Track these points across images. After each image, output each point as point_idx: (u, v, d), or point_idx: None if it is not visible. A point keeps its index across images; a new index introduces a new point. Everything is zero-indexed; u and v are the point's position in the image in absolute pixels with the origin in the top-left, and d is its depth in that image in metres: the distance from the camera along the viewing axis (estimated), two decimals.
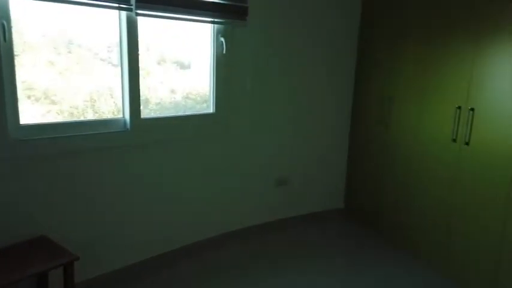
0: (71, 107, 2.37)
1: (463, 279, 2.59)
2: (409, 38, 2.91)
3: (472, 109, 2.45)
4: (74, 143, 2.25)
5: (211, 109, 2.93)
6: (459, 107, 2.53)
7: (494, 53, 2.32)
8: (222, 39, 2.80)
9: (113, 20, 2.36)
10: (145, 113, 2.62)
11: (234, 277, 2.69)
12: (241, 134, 3.05)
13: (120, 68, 2.42)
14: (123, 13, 2.33)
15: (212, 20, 2.70)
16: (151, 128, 2.59)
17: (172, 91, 2.83)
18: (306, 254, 3.03)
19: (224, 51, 2.82)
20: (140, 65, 2.46)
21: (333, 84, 3.45)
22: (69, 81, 2.32)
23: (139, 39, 2.41)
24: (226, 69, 2.88)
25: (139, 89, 2.47)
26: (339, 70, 3.45)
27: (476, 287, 2.49)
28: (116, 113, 2.50)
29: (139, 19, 2.40)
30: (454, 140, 2.58)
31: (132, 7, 2.29)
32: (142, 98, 2.53)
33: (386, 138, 3.17)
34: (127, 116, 2.47)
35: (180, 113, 2.80)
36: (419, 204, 2.90)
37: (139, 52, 2.44)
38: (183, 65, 2.86)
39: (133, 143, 2.50)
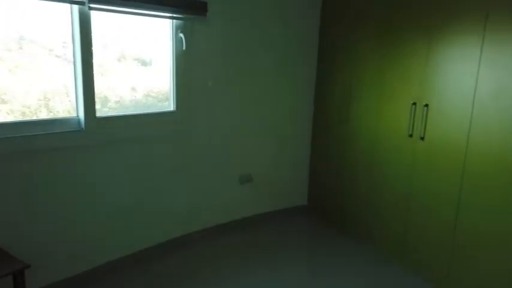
0: (23, 106, 2.24)
1: (420, 269, 2.68)
2: (367, 35, 2.97)
3: (427, 105, 2.53)
4: (25, 144, 2.13)
5: (171, 107, 2.86)
6: (414, 103, 2.62)
7: (445, 52, 2.41)
8: (182, 35, 2.74)
9: (66, 14, 2.25)
10: (104, 111, 2.53)
11: (199, 279, 2.64)
12: (202, 131, 3.01)
13: (73, 64, 2.32)
14: (75, 7, 2.22)
15: (171, 15, 2.64)
16: (109, 127, 2.50)
17: (133, 89, 2.75)
18: (270, 251, 3.04)
19: (184, 48, 2.76)
20: (98, 61, 2.37)
21: (295, 82, 3.48)
22: (21, 78, 2.19)
23: (95, 35, 2.32)
24: (186, 66, 2.82)
25: (93, 87, 2.37)
26: (301, 68, 3.48)
27: (432, 275, 2.59)
28: (71, 111, 2.39)
29: (94, 13, 2.30)
30: (411, 136, 2.66)
31: (84, 1, 2.19)
32: (100, 96, 2.43)
33: (347, 134, 3.23)
34: (81, 115, 2.36)
35: (140, 111, 2.72)
36: (379, 198, 2.97)
37: (96, 48, 2.34)
38: (144, 62, 2.78)
39: (89, 143, 2.40)
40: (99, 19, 2.38)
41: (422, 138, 2.59)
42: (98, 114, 2.45)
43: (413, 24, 2.59)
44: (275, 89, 3.36)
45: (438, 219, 2.52)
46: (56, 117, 2.32)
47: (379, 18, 2.85)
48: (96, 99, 2.42)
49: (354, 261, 2.91)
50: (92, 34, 2.30)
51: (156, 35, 2.74)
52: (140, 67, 2.75)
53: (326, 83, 3.45)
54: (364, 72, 3.02)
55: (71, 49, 2.30)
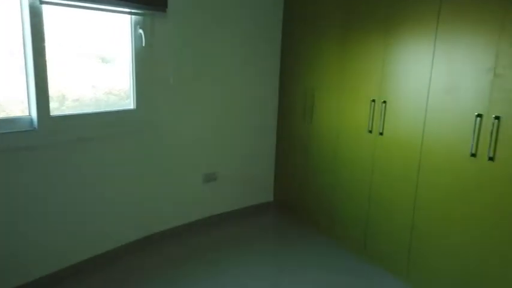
0: None
1: (381, 260, 2.76)
2: (328, 35, 3.01)
3: (385, 102, 2.60)
4: None
5: (132, 105, 2.80)
6: (373, 100, 2.68)
7: (401, 51, 2.48)
8: (141, 31, 2.68)
9: (15, 9, 2.15)
10: (62, 110, 2.44)
11: (162, 280, 2.60)
12: (165, 130, 2.96)
13: (24, 61, 2.22)
14: (25, 1, 2.12)
15: (129, 10, 2.58)
16: (65, 126, 2.42)
17: (94, 87, 2.66)
18: (236, 248, 3.03)
19: (143, 44, 2.70)
20: (54, 59, 2.28)
21: (259, 80, 3.48)
22: None
23: (51, 31, 2.24)
24: (146, 63, 2.77)
25: (47, 85, 2.28)
26: (264, 66, 3.48)
27: (395, 267, 2.67)
28: (25, 111, 2.29)
29: (46, 8, 2.20)
30: (370, 131, 2.73)
31: None
32: (58, 94, 2.34)
33: (311, 131, 3.27)
34: (34, 114, 2.26)
35: (100, 110, 2.64)
36: (342, 193, 3.03)
37: (52, 45, 2.26)
38: (104, 59, 2.70)
39: (42, 143, 2.30)
40: (55, 14, 2.29)
41: (381, 134, 2.66)
42: (56, 112, 2.37)
43: (371, 25, 2.65)
44: (239, 86, 3.36)
45: (397, 214, 2.60)
46: (7, 116, 2.21)
47: (339, 19, 2.89)
48: (53, 98, 2.33)
49: (318, 256, 2.95)
50: (45, 30, 2.20)
51: (116, 32, 2.67)
52: (100, 64, 2.67)
53: (289, 82, 3.48)
54: (326, 70, 3.06)
55: (21, 46, 2.19)
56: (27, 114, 2.28)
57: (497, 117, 1.99)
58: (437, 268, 2.38)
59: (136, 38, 2.69)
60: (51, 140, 2.34)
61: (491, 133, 2.02)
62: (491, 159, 2.04)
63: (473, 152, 2.11)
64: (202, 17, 2.99)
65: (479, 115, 2.07)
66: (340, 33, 2.90)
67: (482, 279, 2.13)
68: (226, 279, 2.61)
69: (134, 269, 2.70)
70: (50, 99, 2.32)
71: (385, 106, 2.60)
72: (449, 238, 2.29)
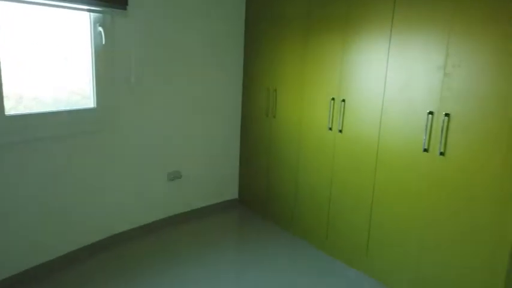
0: None
1: (341, 254, 2.86)
2: (289, 34, 3.06)
3: (344, 100, 2.69)
4: None
5: (92, 104, 2.73)
6: (333, 99, 2.76)
7: (358, 50, 2.57)
8: (101, 29, 2.62)
9: None
10: (18, 109, 2.36)
11: (125, 279, 2.57)
12: (127, 129, 2.92)
13: None
14: None
15: (88, 7, 2.52)
16: (21, 125, 2.33)
17: (54, 85, 2.58)
18: (201, 246, 3.04)
19: (103, 42, 2.64)
20: (11, 57, 2.20)
21: (223, 78, 3.49)
22: None
23: (6, 29, 2.14)
24: (107, 61, 2.71)
25: (0, 83, 2.19)
26: (228, 65, 3.50)
27: (355, 259, 2.78)
28: None
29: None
30: (330, 129, 2.81)
31: None
32: (14, 93, 2.25)
33: (274, 128, 3.33)
34: None
35: (59, 109, 2.56)
36: (305, 189, 3.11)
37: (8, 43, 2.17)
38: (65, 58, 2.62)
39: None
40: (10, 11, 2.20)
41: (340, 131, 2.75)
42: (12, 112, 2.28)
43: (331, 26, 2.72)
44: (202, 85, 3.35)
45: (357, 208, 2.70)
46: None
47: (300, 20, 2.95)
48: (9, 97, 2.24)
49: (281, 252, 3.02)
50: None
51: (76, 29, 2.59)
52: (61, 63, 2.59)
53: (253, 80, 3.51)
54: (288, 69, 3.12)
55: None
56: None
57: (447, 114, 2.12)
58: (394, 259, 2.50)
59: (96, 36, 2.63)
60: (6, 140, 2.25)
61: (442, 129, 2.14)
62: (442, 154, 2.16)
63: (426, 147, 2.23)
64: (164, 15, 2.97)
65: (430, 112, 2.19)
66: (301, 33, 2.96)
67: (437, 266, 2.26)
68: (188, 278, 2.62)
69: (95, 271, 2.65)
70: (6, 98, 2.24)
71: (344, 104, 2.69)
72: (405, 230, 2.41)
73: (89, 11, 2.56)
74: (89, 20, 2.61)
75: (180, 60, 3.15)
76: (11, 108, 2.31)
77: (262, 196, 3.57)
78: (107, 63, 2.71)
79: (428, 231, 2.28)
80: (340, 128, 2.74)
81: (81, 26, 2.60)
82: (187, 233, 3.27)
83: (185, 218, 3.46)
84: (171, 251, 2.94)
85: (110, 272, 2.65)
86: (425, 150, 2.23)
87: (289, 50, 3.09)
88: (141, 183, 3.10)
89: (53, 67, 2.53)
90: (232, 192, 3.85)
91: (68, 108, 2.61)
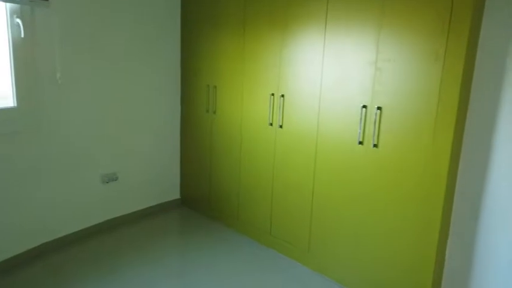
0: None
1: (285, 248, 2.88)
2: (227, 30, 3.02)
3: (283, 95, 2.70)
4: None
5: (12, 103, 2.49)
6: (272, 94, 2.76)
7: (295, 47, 2.58)
8: (18, 20, 2.39)
9: None
10: None
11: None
12: (53, 129, 2.71)
13: None
14: None
15: None
16: None
17: None
18: (140, 250, 2.91)
19: (22, 35, 2.42)
20: None
21: (158, 75, 3.37)
22: None
23: None
24: (27, 56, 2.49)
25: None
26: (164, 61, 3.38)
27: (297, 251, 2.81)
28: None
29: None
30: (271, 124, 2.81)
31: None
32: None
33: (214, 125, 3.27)
34: None
35: None
36: (248, 186, 3.09)
37: None
38: None
39: None
40: None
41: (281, 127, 2.75)
42: None
43: (269, 22, 2.72)
44: (138, 81, 3.20)
45: (299, 202, 2.73)
46: None
47: (238, 16, 2.91)
48: None
49: (226, 249, 2.98)
50: None
51: None
52: None
53: (191, 77, 3.42)
54: (227, 65, 3.07)
55: None
56: None
57: (379, 108, 2.19)
58: (334, 251, 2.56)
59: (14, 29, 2.40)
60: None
61: (375, 122, 2.22)
62: (375, 146, 2.24)
63: (361, 140, 2.30)
64: (91, 9, 2.78)
65: (364, 106, 2.26)
66: (239, 30, 2.92)
67: (371, 256, 2.35)
68: (129, 285, 2.49)
69: (24, 280, 2.43)
70: None
71: (283, 100, 2.70)
72: (342, 222, 2.48)
73: (5, 0, 2.32)
74: (5, 10, 2.37)
75: (112, 56, 2.98)
76: None
77: (206, 195, 3.50)
78: (27, 58, 2.48)
79: (364, 222, 2.36)
80: (281, 124, 2.74)
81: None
82: (126, 237, 3.11)
83: (124, 221, 3.30)
84: (108, 257, 2.78)
85: (40, 284, 2.44)
86: (360, 143, 2.30)
87: (228, 46, 3.04)
88: (72, 187, 2.90)
89: None
90: (173, 192, 3.73)
91: None
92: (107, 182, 3.11)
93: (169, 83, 3.47)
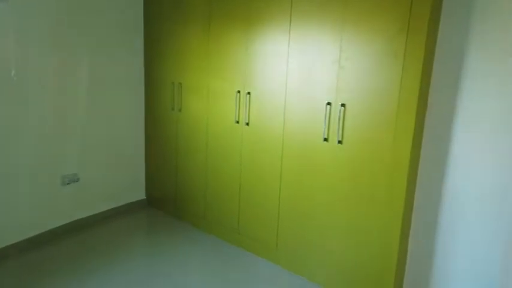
0: None
1: (253, 246, 2.88)
2: (191, 28, 2.97)
3: (249, 93, 2.69)
4: None
5: None
6: (239, 91, 2.75)
7: (261, 45, 2.59)
8: None
9: None
10: None
11: None
12: (9, 128, 2.57)
13: None
14: None
15: None
16: None
17: None
18: (104, 253, 2.82)
19: None
20: None
21: (121, 73, 3.27)
22: None
23: None
24: None
25: None
26: (126, 58, 3.29)
27: (266, 250, 2.82)
28: None
29: None
30: (237, 122, 2.80)
31: None
32: None
33: (180, 123, 3.21)
34: None
35: None
36: (215, 184, 3.06)
37: None
38: None
39: None
40: None
41: (247, 124, 2.75)
42: None
43: (235, 20, 2.70)
44: (99, 78, 3.10)
45: (266, 200, 2.73)
46: None
47: (203, 13, 2.88)
48: None
49: (195, 251, 2.94)
50: None
51: None
52: None
53: (156, 75, 3.35)
54: (192, 62, 3.03)
55: None
56: None
57: (343, 105, 2.23)
58: (301, 246, 2.58)
59: None
60: None
61: (339, 119, 2.25)
62: (340, 142, 2.28)
63: (326, 136, 2.33)
64: (52, 5, 2.66)
65: (328, 103, 2.29)
66: (205, 26, 2.89)
67: (337, 249, 2.39)
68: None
69: None
70: None
71: (250, 97, 2.70)
72: (309, 219, 2.51)
73: None
74: None
75: (72, 54, 2.87)
76: None
77: (172, 194, 3.44)
78: None
79: (329, 218, 2.40)
80: (247, 121, 2.74)
81: None
82: (89, 240, 3.00)
83: (87, 223, 3.18)
84: (68, 264, 2.66)
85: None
86: (326, 139, 2.33)
87: (193, 42, 2.99)
88: (29, 189, 2.76)
89: None
90: (139, 192, 3.64)
91: None
92: (68, 184, 2.99)
93: (133, 79, 3.38)
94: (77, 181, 3.05)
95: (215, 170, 3.04)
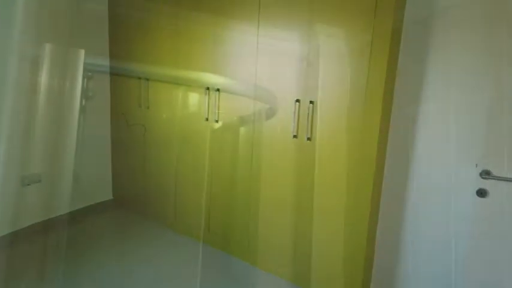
0: None
1: (225, 247, 2.86)
2: (160, 18, 2.91)
3: (218, 90, 2.66)
4: None
5: None
6: (208, 88, 2.72)
7: (230, 43, 2.56)
8: None
9: None
10: None
11: None
12: None
13: None
14: None
15: None
16: None
17: None
18: (70, 255, 2.72)
19: None
20: None
21: (85, 65, 3.15)
22: None
23: None
24: None
25: None
26: (90, 48, 3.17)
27: (238, 248, 2.80)
28: None
29: None
30: (207, 119, 2.76)
31: None
32: None
33: (148, 121, 3.14)
34: None
35: None
36: (184, 184, 3.02)
37: None
38: None
39: None
40: None
41: (217, 121, 2.72)
42: None
43: (202, 16, 2.66)
44: (58, 74, 2.97)
45: (236, 198, 2.72)
46: None
47: (169, 11, 2.82)
48: None
49: (164, 249, 2.89)
50: None
51: None
52: None
53: (122, 68, 3.25)
54: (160, 59, 2.96)
55: None
56: None
57: (311, 102, 2.25)
58: (272, 243, 2.59)
59: None
60: None
61: (308, 116, 2.26)
62: (309, 139, 2.29)
63: (295, 133, 2.34)
64: None
65: (297, 100, 2.30)
66: (174, 20, 2.83)
67: (308, 241, 2.41)
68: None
69: None
70: None
71: (219, 94, 2.67)
72: (279, 213, 2.51)
73: None
74: None
75: (30, 45, 2.73)
76: None
77: (140, 194, 3.36)
78: None
79: (299, 214, 2.41)
80: (217, 118, 2.71)
81: None
82: (52, 243, 2.88)
83: (47, 226, 3.05)
84: (30, 267, 2.55)
85: None
86: (295, 136, 2.34)
87: (160, 36, 2.93)
88: None
89: None
90: (105, 192, 3.54)
91: None
92: (28, 184, 2.86)
93: (97, 73, 3.27)
94: (38, 182, 2.92)
95: (185, 168, 2.99)
